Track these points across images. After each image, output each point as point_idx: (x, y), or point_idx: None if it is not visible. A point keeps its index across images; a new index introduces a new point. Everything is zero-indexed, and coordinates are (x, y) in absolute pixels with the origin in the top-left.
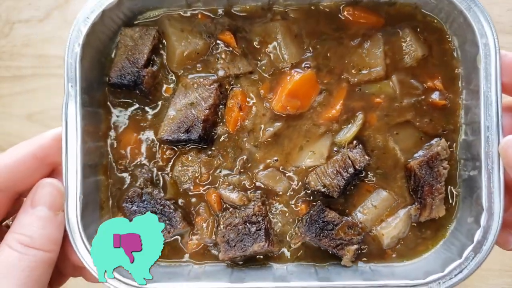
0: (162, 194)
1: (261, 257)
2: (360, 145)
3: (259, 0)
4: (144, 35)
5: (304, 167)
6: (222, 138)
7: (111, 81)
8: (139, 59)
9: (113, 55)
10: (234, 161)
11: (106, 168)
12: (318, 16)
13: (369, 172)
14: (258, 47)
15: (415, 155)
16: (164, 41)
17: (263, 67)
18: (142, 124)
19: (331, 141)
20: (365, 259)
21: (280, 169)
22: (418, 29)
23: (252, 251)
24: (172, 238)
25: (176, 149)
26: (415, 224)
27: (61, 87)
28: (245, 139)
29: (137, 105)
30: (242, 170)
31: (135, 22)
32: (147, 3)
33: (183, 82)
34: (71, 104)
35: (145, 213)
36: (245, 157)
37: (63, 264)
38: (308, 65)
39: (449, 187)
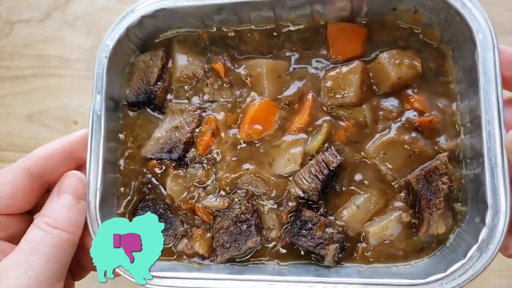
0: (164, 202)
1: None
2: (332, 147)
3: (266, 15)
4: (154, 57)
5: (280, 174)
6: (195, 159)
7: (130, 100)
8: (151, 78)
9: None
10: (211, 174)
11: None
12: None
13: (343, 182)
14: (244, 79)
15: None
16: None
17: (240, 99)
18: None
19: (303, 148)
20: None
21: (255, 175)
22: (400, 51)
23: (247, 248)
24: (174, 242)
25: (161, 164)
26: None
27: (61, 87)
28: (215, 162)
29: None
30: (218, 182)
31: (155, 41)
32: (166, 22)
33: (171, 107)
34: (97, 107)
35: None
36: (220, 175)
37: (84, 257)
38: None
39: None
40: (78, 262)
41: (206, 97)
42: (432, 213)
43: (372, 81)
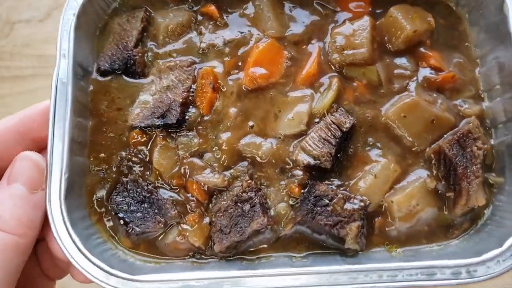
0: (149, 181)
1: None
2: (341, 107)
3: None
4: (132, 19)
5: (284, 134)
6: (196, 122)
7: (102, 68)
8: (129, 42)
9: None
10: (211, 140)
11: (91, 149)
12: None
13: (358, 144)
14: (242, 18)
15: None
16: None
17: (241, 41)
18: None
19: (309, 106)
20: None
21: (259, 133)
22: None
23: (251, 231)
24: (164, 230)
25: (149, 133)
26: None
27: None
28: (218, 122)
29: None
30: (219, 148)
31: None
32: None
33: (157, 67)
34: (62, 73)
35: (131, 204)
36: (221, 137)
37: (47, 263)
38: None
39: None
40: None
41: (203, 44)
42: (471, 182)
43: (385, 38)
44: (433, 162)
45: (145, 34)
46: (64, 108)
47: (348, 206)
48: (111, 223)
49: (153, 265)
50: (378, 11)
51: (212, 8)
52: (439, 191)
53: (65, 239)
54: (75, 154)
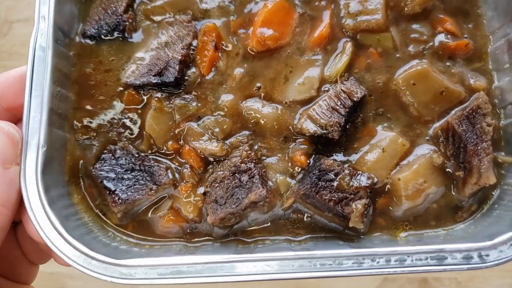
0: (138, 148)
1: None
2: (353, 77)
3: None
4: None
5: (292, 100)
6: (195, 82)
7: (88, 33)
8: (118, 6)
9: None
10: (212, 103)
11: (72, 123)
12: None
13: (369, 113)
14: None
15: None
16: None
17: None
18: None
19: (320, 70)
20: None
21: (265, 96)
22: None
23: (248, 202)
24: (155, 199)
25: (143, 93)
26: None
27: None
28: (220, 83)
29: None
30: (220, 111)
31: None
32: None
33: (156, 20)
34: (41, 37)
35: (119, 172)
36: (223, 99)
37: (23, 245)
38: None
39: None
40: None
41: (205, 5)
42: (482, 160)
43: (400, 2)
44: (441, 139)
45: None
46: (43, 76)
47: (354, 182)
48: (97, 202)
49: (140, 249)
50: None
51: None
52: (447, 170)
53: (41, 219)
54: (54, 126)
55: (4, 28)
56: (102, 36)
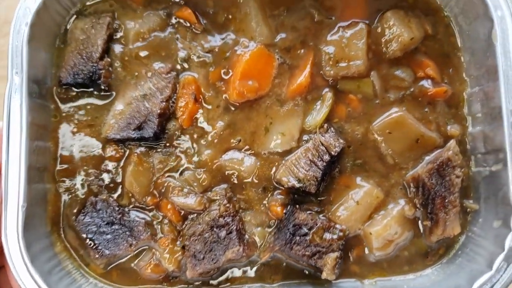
0: (118, 202)
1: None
2: (332, 128)
3: None
4: (97, 25)
5: (274, 151)
6: (175, 135)
7: (63, 81)
8: (93, 52)
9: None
10: (191, 156)
11: (54, 173)
12: None
13: (346, 164)
14: (224, 22)
15: (420, 164)
16: (119, 23)
17: (224, 48)
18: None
19: (301, 120)
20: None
21: (245, 148)
22: (406, 12)
23: (226, 260)
24: (135, 252)
25: (124, 148)
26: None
27: None
28: (200, 136)
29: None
30: (199, 165)
31: (87, 3)
32: None
33: (134, 70)
34: (15, 93)
35: (100, 225)
36: (202, 153)
37: None
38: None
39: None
40: None
41: (182, 53)
42: (448, 212)
43: (380, 45)
44: (411, 188)
45: (111, 41)
46: (19, 133)
47: (327, 235)
48: (81, 252)
49: None
50: (373, 16)
51: (188, 12)
52: (416, 218)
53: (24, 277)
54: (33, 181)
55: (4, 28)
56: (78, 83)
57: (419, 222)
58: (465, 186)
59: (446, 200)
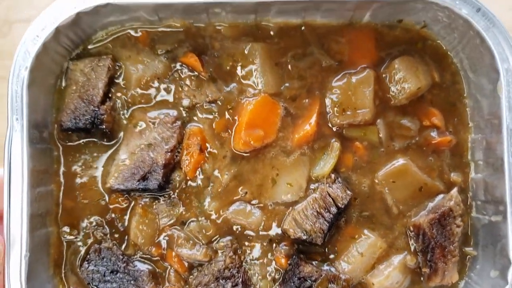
0: (123, 250)
1: None
2: (339, 179)
3: (244, 16)
4: (97, 67)
5: (282, 202)
6: (180, 186)
7: (64, 126)
8: (94, 95)
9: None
10: (196, 208)
11: (57, 216)
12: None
13: (352, 215)
14: (229, 70)
15: (422, 211)
16: (121, 65)
17: (229, 97)
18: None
19: (308, 170)
20: None
21: (252, 202)
22: (415, 58)
23: None
24: None
25: (129, 198)
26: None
27: None
28: (206, 187)
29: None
30: (205, 217)
31: (88, 47)
32: (109, 18)
33: (138, 118)
34: (16, 141)
35: (105, 273)
36: (208, 204)
37: None
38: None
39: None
40: None
41: (185, 102)
42: (448, 262)
43: (387, 93)
44: (412, 234)
45: (113, 84)
46: (21, 181)
47: (332, 286)
48: None
49: None
50: (381, 62)
51: (193, 59)
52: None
53: None
54: (36, 228)
55: (4, 28)
56: (80, 128)
57: (418, 266)
58: (464, 232)
59: (446, 250)
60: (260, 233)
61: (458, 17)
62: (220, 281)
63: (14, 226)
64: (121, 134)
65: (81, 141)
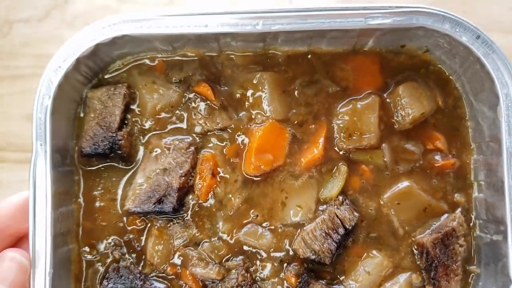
0: (140, 268)
1: None
2: (347, 200)
3: (253, 45)
4: (113, 95)
5: (292, 223)
6: (194, 208)
7: (84, 152)
8: (112, 122)
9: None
10: (209, 230)
11: (78, 234)
12: (311, 65)
13: (359, 236)
14: (240, 99)
15: (427, 230)
16: (135, 92)
17: (239, 124)
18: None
19: (316, 192)
20: None
21: (263, 225)
22: (419, 84)
23: None
24: None
25: (145, 220)
26: None
27: None
28: (218, 209)
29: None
30: (217, 238)
31: (105, 76)
32: (125, 49)
33: (154, 144)
34: (40, 165)
35: None
36: (220, 226)
37: None
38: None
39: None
40: None
41: (198, 129)
42: (450, 280)
43: (391, 118)
44: (416, 252)
45: (129, 111)
46: (45, 203)
47: None
48: None
49: None
50: (386, 87)
51: (205, 89)
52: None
53: None
54: (59, 246)
55: (4, 28)
56: (99, 153)
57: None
58: (468, 250)
59: (449, 269)
60: (271, 254)
61: (459, 43)
62: None
63: (39, 244)
64: (138, 157)
65: (100, 165)
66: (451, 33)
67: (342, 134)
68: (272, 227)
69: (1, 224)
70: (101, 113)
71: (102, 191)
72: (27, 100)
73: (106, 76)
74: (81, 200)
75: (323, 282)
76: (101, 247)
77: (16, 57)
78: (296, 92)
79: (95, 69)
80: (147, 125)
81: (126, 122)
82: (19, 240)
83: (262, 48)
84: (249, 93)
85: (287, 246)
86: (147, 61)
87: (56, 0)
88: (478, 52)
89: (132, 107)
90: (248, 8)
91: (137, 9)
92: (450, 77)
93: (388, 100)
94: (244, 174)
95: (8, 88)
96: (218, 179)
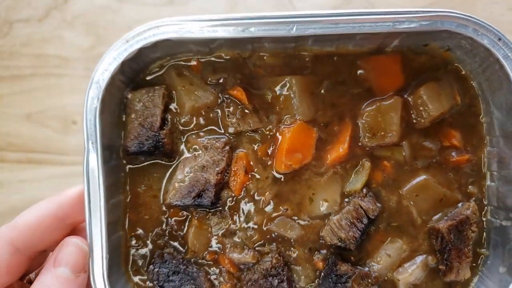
0: (183, 254)
1: None
2: (371, 193)
3: (285, 45)
4: (153, 96)
5: (319, 215)
6: (229, 202)
7: (130, 150)
8: (154, 122)
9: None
10: (243, 221)
11: (125, 222)
12: (336, 66)
13: (380, 225)
14: (270, 102)
15: (444, 218)
16: (173, 92)
17: (270, 126)
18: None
19: (341, 187)
20: None
21: (293, 217)
22: (439, 84)
23: None
24: None
25: (185, 212)
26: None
27: (60, 87)
28: (250, 202)
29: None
30: (251, 227)
31: (146, 78)
32: (166, 51)
33: (192, 143)
34: (92, 161)
35: (168, 274)
36: (253, 218)
37: None
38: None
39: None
40: None
41: (231, 129)
42: (462, 262)
43: (411, 117)
44: (432, 236)
45: (168, 111)
46: (98, 197)
47: (363, 282)
48: None
49: None
50: (407, 87)
51: (239, 93)
52: (437, 262)
53: None
54: (111, 233)
55: (4, 28)
56: (144, 151)
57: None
58: (478, 234)
59: (461, 252)
60: (301, 242)
61: (480, 45)
62: (268, 278)
63: (95, 233)
64: (179, 153)
65: (145, 162)
66: (474, 36)
67: (366, 133)
68: (301, 220)
69: (63, 213)
70: (142, 113)
71: (145, 188)
72: (27, 100)
73: (147, 78)
74: (128, 192)
75: (349, 264)
76: (146, 236)
77: (16, 57)
78: (322, 94)
79: (137, 69)
80: (185, 124)
81: (166, 121)
82: (74, 230)
83: (293, 48)
84: (279, 95)
85: (315, 236)
86: (185, 62)
87: (56, 0)
88: (498, 53)
89: (170, 107)
90: (281, 13)
91: (137, 9)
92: (468, 74)
93: (408, 98)
94: (276, 172)
95: (8, 88)
96: (250, 176)
